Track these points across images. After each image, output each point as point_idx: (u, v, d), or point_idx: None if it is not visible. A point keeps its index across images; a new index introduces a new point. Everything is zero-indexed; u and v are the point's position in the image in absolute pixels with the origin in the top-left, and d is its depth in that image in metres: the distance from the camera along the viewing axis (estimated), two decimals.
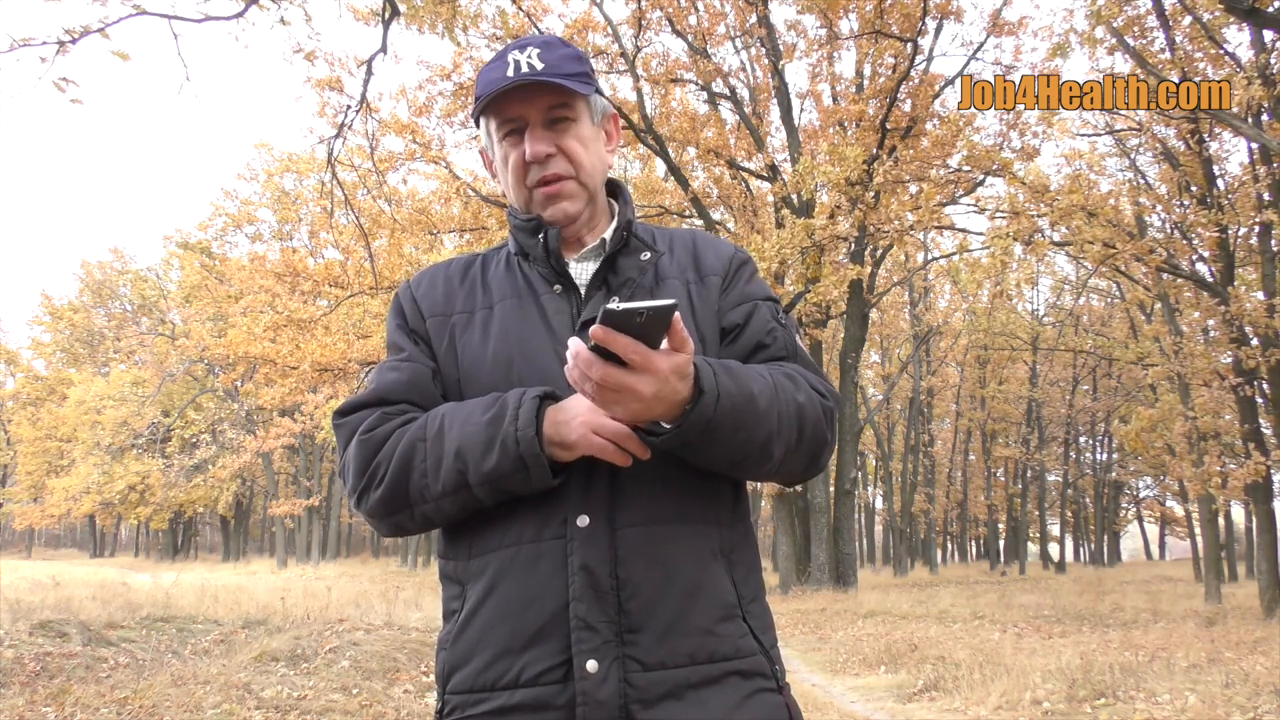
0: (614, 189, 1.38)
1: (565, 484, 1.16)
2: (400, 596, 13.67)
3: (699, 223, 19.52)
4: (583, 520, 1.15)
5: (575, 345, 1.04)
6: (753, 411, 1.11)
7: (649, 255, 1.31)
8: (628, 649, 1.12)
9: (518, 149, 1.27)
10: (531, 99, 1.24)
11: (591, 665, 1.10)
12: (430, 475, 1.16)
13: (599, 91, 1.32)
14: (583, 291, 1.29)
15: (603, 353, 1.01)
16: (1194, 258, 15.30)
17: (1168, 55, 12.52)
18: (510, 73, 1.23)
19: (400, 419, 1.22)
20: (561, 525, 1.15)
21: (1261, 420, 14.61)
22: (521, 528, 1.16)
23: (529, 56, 1.24)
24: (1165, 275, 14.96)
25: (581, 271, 1.31)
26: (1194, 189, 15.31)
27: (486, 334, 1.26)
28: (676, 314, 1.00)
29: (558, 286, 1.28)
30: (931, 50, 18.88)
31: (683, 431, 1.08)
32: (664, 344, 1.03)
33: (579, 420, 1.11)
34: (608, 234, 1.32)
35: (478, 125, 1.33)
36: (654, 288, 1.30)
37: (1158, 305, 19.64)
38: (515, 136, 1.27)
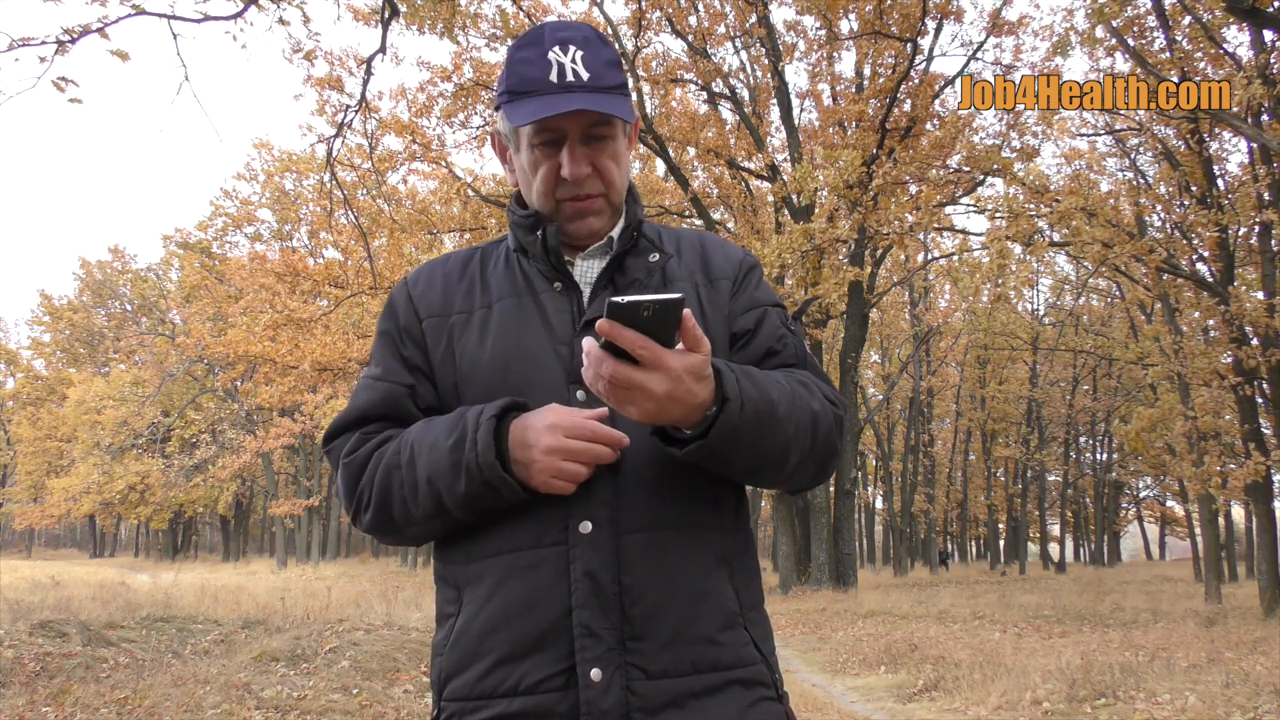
0: None
1: None
2: (400, 596, 13.66)
3: (699, 223, 19.53)
4: (585, 526, 1.13)
5: (588, 343, 1.02)
6: (773, 418, 1.10)
7: (657, 257, 1.28)
8: (631, 656, 1.10)
9: (551, 161, 1.22)
10: (575, 114, 1.19)
11: (595, 673, 1.08)
12: (410, 501, 1.16)
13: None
14: (586, 290, 1.25)
15: (613, 350, 0.99)
16: (1194, 258, 15.30)
17: (1168, 55, 12.52)
18: (554, 76, 1.18)
19: (378, 439, 1.22)
20: (563, 531, 1.13)
21: (1261, 420, 14.61)
22: (521, 533, 1.15)
23: (573, 60, 1.18)
24: (1165, 275, 14.95)
25: (587, 270, 1.27)
26: (1194, 189, 15.31)
27: (484, 335, 1.24)
28: (687, 311, 0.98)
29: (557, 284, 1.25)
30: (931, 50, 18.88)
31: (709, 442, 1.06)
32: (679, 344, 1.01)
33: (540, 468, 1.09)
34: (615, 232, 1.28)
35: (497, 109, 1.27)
36: (661, 289, 1.26)
37: (1158, 305, 19.64)
38: (550, 148, 1.22)
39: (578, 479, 1.10)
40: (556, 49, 1.19)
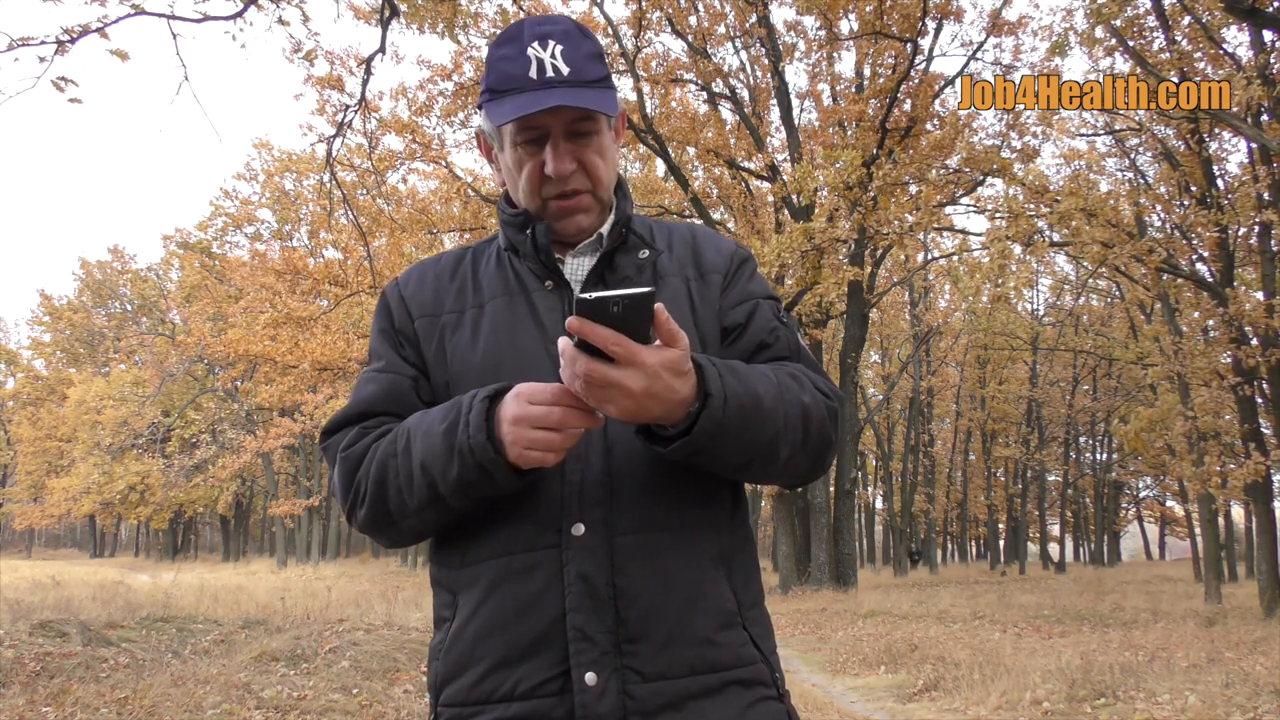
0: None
1: (560, 491, 1.13)
2: (400, 596, 13.67)
3: (699, 223, 19.51)
4: (578, 528, 1.11)
5: (563, 343, 0.99)
6: (759, 412, 1.08)
7: (647, 253, 1.27)
8: (626, 659, 1.09)
9: (535, 159, 1.20)
10: (558, 110, 1.17)
11: (590, 678, 1.07)
12: (405, 491, 1.13)
13: (614, 87, 1.25)
14: (577, 288, 1.24)
15: (587, 347, 0.97)
16: (1194, 258, 15.30)
17: (1167, 55, 12.53)
18: (533, 73, 1.16)
19: (377, 432, 1.19)
20: (556, 534, 1.12)
21: (1261, 420, 14.61)
22: (515, 536, 1.13)
23: (552, 55, 1.16)
24: (1165, 275, 14.96)
25: (577, 268, 1.26)
26: (1194, 189, 15.31)
27: (476, 334, 1.22)
28: (660, 305, 0.96)
29: (549, 283, 1.23)
30: (931, 50, 18.89)
31: (692, 439, 1.04)
32: (657, 341, 0.99)
33: (510, 440, 1.04)
34: (605, 229, 1.27)
35: (479, 109, 1.26)
36: (653, 286, 1.24)
37: (1158, 305, 19.64)
38: (534, 146, 1.20)
39: (551, 446, 1.04)
40: (536, 44, 1.17)
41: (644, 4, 16.84)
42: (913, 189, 17.31)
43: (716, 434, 1.04)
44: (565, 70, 1.17)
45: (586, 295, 0.93)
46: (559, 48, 1.17)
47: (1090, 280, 29.00)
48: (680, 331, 0.99)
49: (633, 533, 1.13)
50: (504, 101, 1.18)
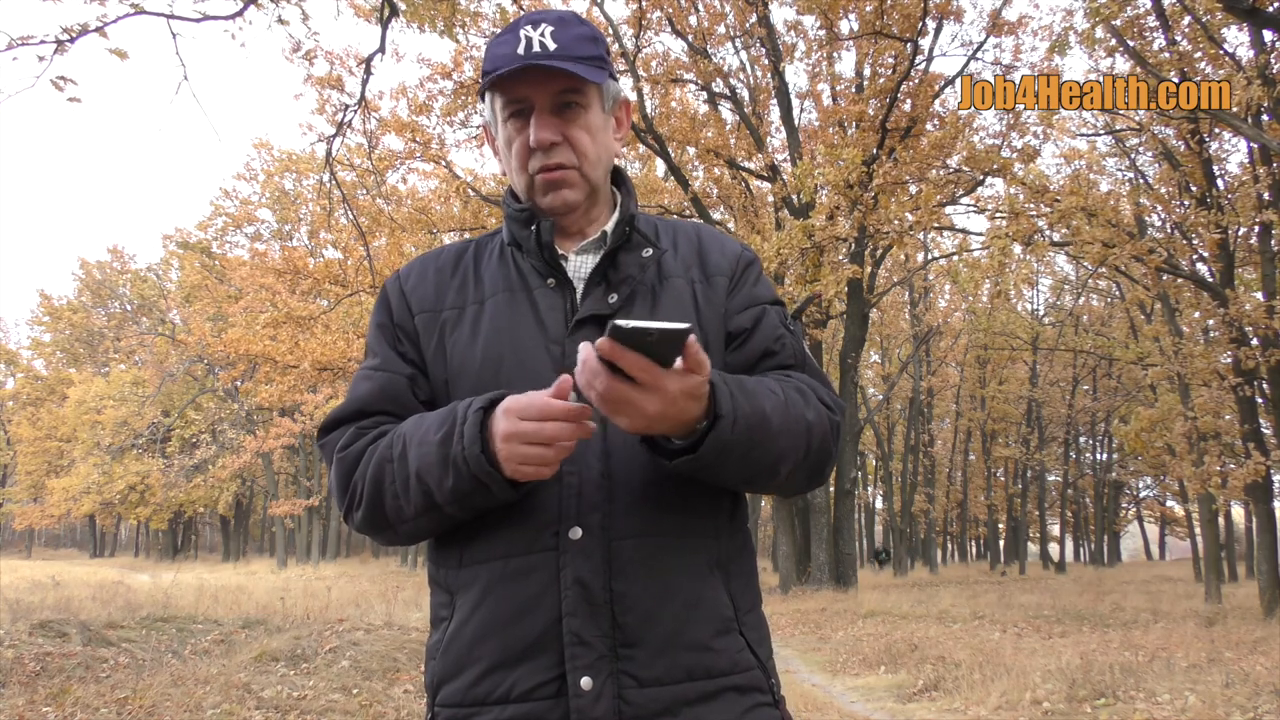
0: (617, 177, 1.31)
1: (558, 494, 1.13)
2: (400, 596, 13.67)
3: (700, 222, 19.50)
4: (575, 532, 1.11)
5: (585, 351, 0.99)
6: (765, 432, 1.08)
7: (651, 252, 1.26)
8: (623, 664, 1.09)
9: (522, 134, 1.21)
10: (541, 81, 1.17)
11: (586, 682, 1.07)
12: (401, 497, 1.12)
13: (613, 76, 1.25)
14: (579, 286, 1.23)
15: (611, 365, 0.97)
16: (1194, 258, 15.29)
17: (1167, 55, 12.52)
18: (520, 50, 1.17)
19: (374, 433, 1.19)
20: (553, 537, 1.12)
21: (1261, 420, 14.60)
22: (512, 539, 1.13)
23: (541, 34, 1.17)
24: (1165, 275, 14.95)
25: (580, 265, 1.25)
26: (1194, 189, 15.30)
27: (476, 331, 1.21)
28: (693, 339, 0.96)
29: (551, 280, 1.22)
30: (931, 50, 18.87)
31: (699, 457, 1.04)
32: (679, 363, 0.99)
33: (503, 456, 1.04)
34: (609, 226, 1.26)
35: (482, 99, 1.26)
36: (656, 286, 1.24)
37: (1158, 305, 19.63)
38: (520, 119, 1.21)
39: (544, 461, 1.03)
40: (527, 27, 1.19)
41: (644, 4, 16.84)
42: (913, 188, 17.29)
43: (723, 453, 1.05)
44: (552, 46, 1.17)
45: (624, 324, 0.92)
46: (549, 29, 1.19)
47: (1090, 280, 29.01)
48: (706, 360, 1.00)
49: (630, 537, 1.12)
50: (491, 77, 1.19)
